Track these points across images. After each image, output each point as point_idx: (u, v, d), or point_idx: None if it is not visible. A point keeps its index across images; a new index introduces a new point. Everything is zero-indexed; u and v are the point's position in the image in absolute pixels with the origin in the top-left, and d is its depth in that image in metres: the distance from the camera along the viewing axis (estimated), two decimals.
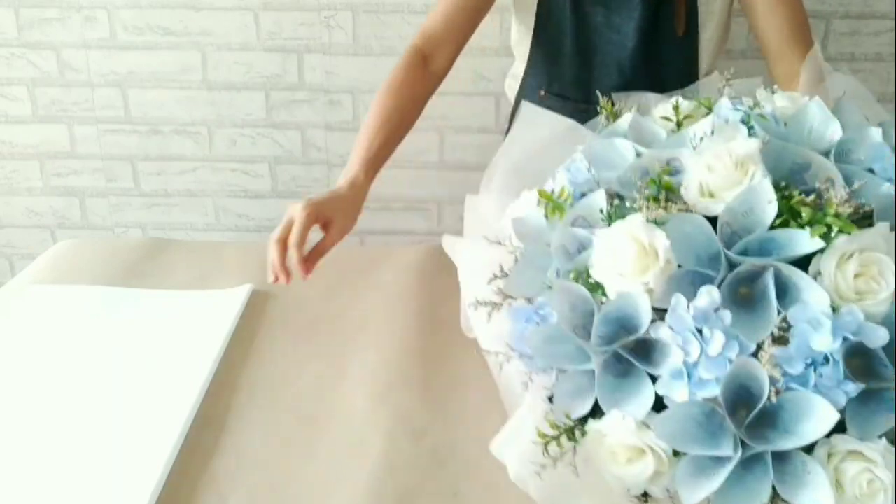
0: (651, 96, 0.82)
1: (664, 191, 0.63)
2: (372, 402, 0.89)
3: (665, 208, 0.60)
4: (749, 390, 0.54)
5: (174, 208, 1.99)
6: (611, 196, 0.66)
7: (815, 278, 0.56)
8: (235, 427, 0.86)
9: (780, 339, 0.55)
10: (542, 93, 1.25)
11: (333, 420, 0.87)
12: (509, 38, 1.33)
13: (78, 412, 0.86)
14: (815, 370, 0.53)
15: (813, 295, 0.55)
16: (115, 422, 0.85)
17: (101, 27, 1.79)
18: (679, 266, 0.59)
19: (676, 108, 0.74)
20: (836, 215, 0.56)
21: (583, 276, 0.63)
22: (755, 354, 0.55)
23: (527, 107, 0.86)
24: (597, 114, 1.15)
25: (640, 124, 0.74)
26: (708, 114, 0.73)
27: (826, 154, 0.64)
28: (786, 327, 0.55)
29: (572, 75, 1.21)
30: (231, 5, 1.76)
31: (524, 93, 1.28)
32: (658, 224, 0.59)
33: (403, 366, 0.95)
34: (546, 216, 0.70)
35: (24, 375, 0.92)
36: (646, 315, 0.57)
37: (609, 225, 0.63)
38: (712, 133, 0.67)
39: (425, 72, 1.17)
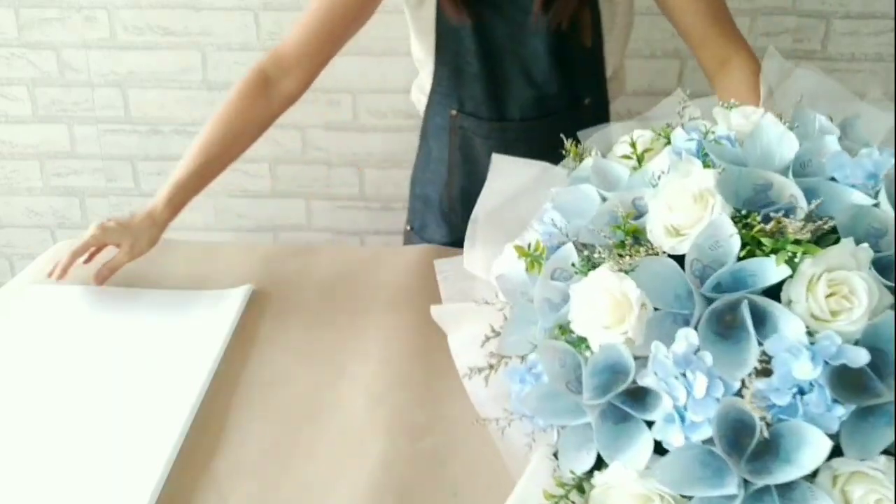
0: (614, 127, 0.82)
1: (629, 236, 0.64)
2: (371, 402, 0.89)
3: (631, 255, 0.60)
4: (745, 424, 0.54)
5: None
6: (581, 246, 0.67)
7: (789, 304, 0.56)
8: (235, 427, 0.86)
9: (764, 371, 0.54)
10: (454, 113, 1.22)
11: (333, 420, 0.87)
12: None
13: (78, 412, 0.86)
14: (801, 398, 0.53)
15: (788, 324, 0.55)
16: (115, 421, 0.85)
17: (101, 27, 1.79)
18: (656, 309, 0.59)
19: (633, 144, 0.73)
20: (797, 241, 0.56)
21: (566, 330, 0.63)
22: (741, 390, 0.55)
23: (497, 158, 0.86)
24: (513, 130, 1.17)
25: (602, 167, 0.74)
26: (667, 144, 0.72)
27: (785, 170, 0.64)
28: (768, 359, 0.54)
29: (482, 94, 1.18)
30: (231, 5, 1.76)
31: (434, 111, 1.26)
32: (627, 271, 0.59)
33: (403, 366, 0.95)
34: (527, 270, 0.71)
35: (23, 375, 0.92)
36: (630, 365, 0.58)
37: (583, 276, 0.63)
38: (669, 170, 0.67)
39: (265, 96, 1.14)
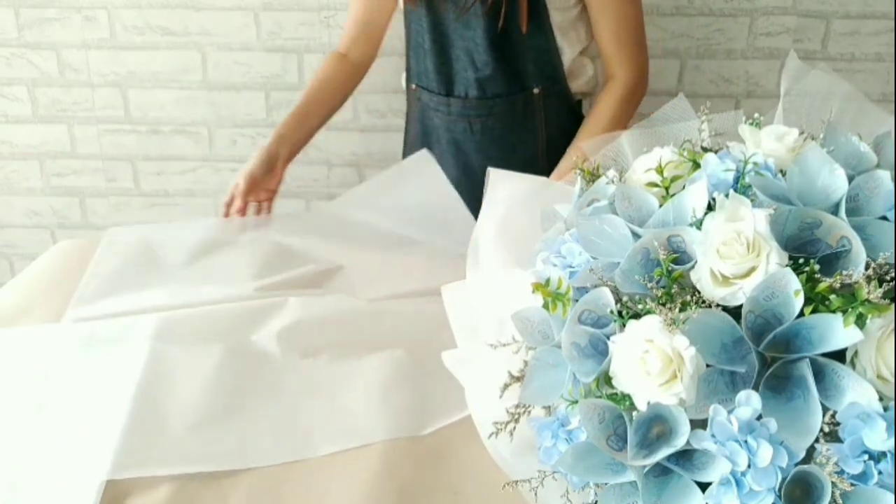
0: (624, 136, 0.78)
1: (674, 283, 0.59)
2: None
3: (682, 308, 0.57)
4: (812, 487, 0.52)
5: (174, 208, 1.99)
6: (615, 289, 0.62)
7: (852, 364, 0.54)
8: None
9: (829, 434, 0.53)
10: (414, 86, 1.35)
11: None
12: None
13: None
14: (874, 464, 0.51)
15: (857, 388, 0.52)
16: (112, 423, 0.85)
17: (101, 27, 1.79)
18: (707, 365, 0.56)
19: (661, 170, 0.68)
20: (867, 300, 0.53)
21: (603, 383, 0.60)
22: (807, 453, 0.53)
23: (494, 173, 0.85)
24: (456, 106, 1.29)
25: (629, 196, 0.68)
26: (695, 167, 0.68)
27: (834, 207, 0.60)
28: (833, 422, 0.53)
29: (434, 69, 1.29)
30: (231, 5, 1.76)
31: (408, 86, 1.40)
32: (676, 322, 0.56)
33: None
34: (545, 307, 0.66)
35: None
36: (684, 427, 0.55)
37: (622, 326, 0.59)
38: (710, 207, 0.63)
39: (341, 62, 1.39)
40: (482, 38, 1.21)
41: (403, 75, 1.41)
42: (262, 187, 1.30)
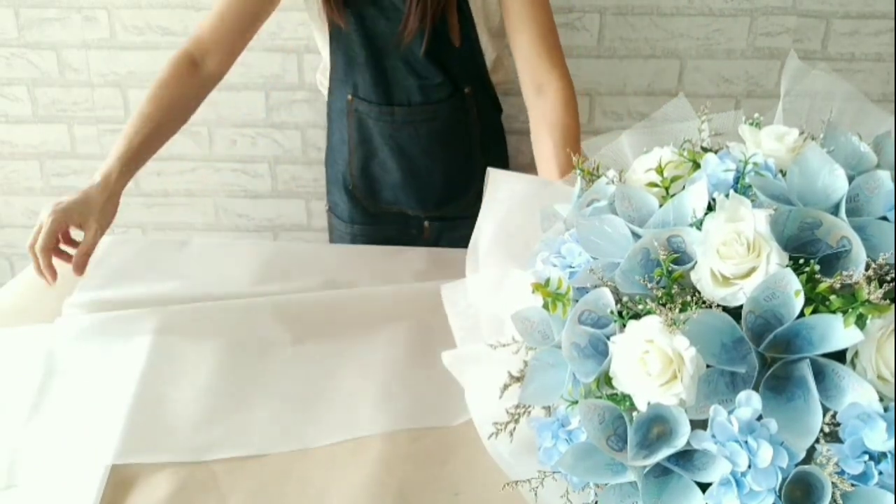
0: (625, 136, 0.78)
1: (674, 283, 0.59)
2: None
3: (682, 308, 0.57)
4: (812, 487, 0.53)
5: (174, 208, 1.99)
6: (614, 290, 0.62)
7: (853, 365, 0.54)
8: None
9: (830, 434, 0.53)
10: (350, 97, 1.33)
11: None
12: None
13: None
14: (875, 465, 0.51)
15: (858, 389, 0.52)
16: (116, 412, 0.85)
17: (101, 27, 1.79)
18: (707, 366, 0.56)
19: (661, 170, 0.68)
20: (868, 300, 0.53)
21: (603, 383, 0.60)
22: (808, 454, 0.53)
23: (493, 173, 0.86)
24: (399, 114, 1.28)
25: (628, 196, 0.68)
26: (695, 167, 0.68)
27: (834, 207, 0.60)
28: (834, 422, 0.53)
29: (371, 80, 1.28)
30: None
31: (335, 96, 1.36)
32: (676, 323, 0.56)
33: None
34: (545, 307, 0.66)
35: None
36: (685, 427, 0.55)
37: (622, 326, 0.60)
38: (711, 207, 0.63)
39: (193, 74, 1.23)
40: (419, 49, 1.23)
41: (325, 88, 1.39)
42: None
